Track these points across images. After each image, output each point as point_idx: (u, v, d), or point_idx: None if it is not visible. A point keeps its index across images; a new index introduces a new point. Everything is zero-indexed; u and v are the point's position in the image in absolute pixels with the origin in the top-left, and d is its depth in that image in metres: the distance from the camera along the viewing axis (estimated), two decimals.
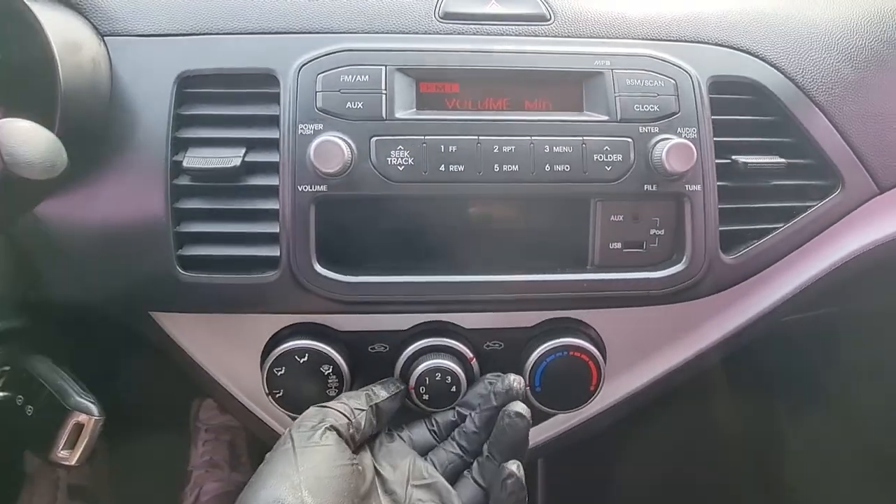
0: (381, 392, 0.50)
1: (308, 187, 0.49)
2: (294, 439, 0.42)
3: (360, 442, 0.46)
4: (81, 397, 0.48)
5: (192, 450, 1.18)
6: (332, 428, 0.43)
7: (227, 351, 0.56)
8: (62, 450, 0.47)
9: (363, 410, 0.46)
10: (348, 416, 0.45)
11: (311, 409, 0.45)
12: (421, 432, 0.51)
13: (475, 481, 0.47)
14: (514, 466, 0.43)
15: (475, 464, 0.48)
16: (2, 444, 0.63)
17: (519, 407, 0.46)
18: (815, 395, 0.90)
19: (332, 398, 0.53)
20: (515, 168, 0.50)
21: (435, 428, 0.52)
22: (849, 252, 0.59)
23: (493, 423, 0.47)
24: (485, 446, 0.48)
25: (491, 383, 0.51)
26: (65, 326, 0.60)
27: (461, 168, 0.50)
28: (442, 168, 0.50)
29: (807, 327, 0.73)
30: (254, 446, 1.21)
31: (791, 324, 0.62)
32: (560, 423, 0.62)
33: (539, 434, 0.61)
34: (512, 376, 0.49)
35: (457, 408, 0.52)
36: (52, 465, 0.47)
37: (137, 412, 1.17)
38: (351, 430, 0.44)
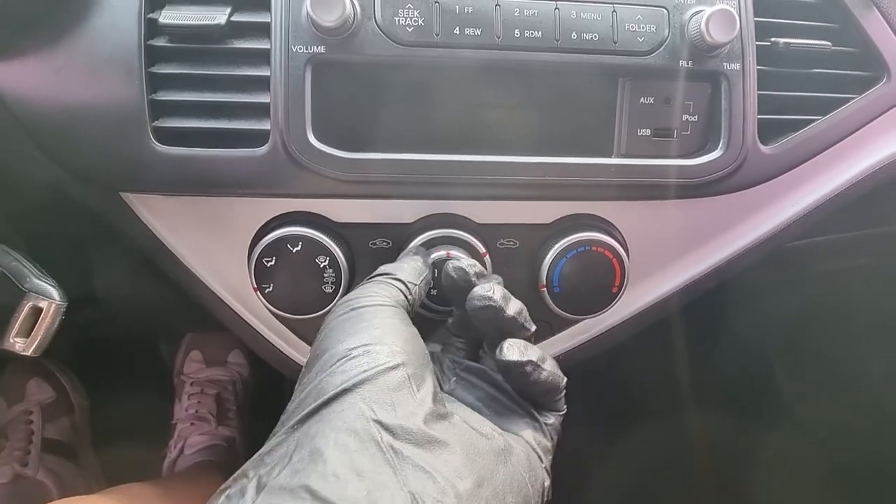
0: (419, 265, 0.44)
1: (303, 48, 0.43)
2: (353, 304, 0.36)
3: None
4: (40, 279, 0.41)
5: (176, 404, 1.12)
6: (398, 304, 0.38)
7: (212, 242, 0.50)
8: (16, 336, 0.40)
9: (416, 285, 0.41)
10: (405, 291, 0.39)
11: (363, 286, 0.39)
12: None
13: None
14: (507, 348, 0.37)
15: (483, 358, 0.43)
16: None
17: (482, 290, 0.39)
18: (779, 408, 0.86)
19: (328, 295, 0.48)
20: (538, 35, 0.45)
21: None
22: (889, 154, 0.54)
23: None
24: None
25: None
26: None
27: (478, 32, 0.44)
28: (456, 31, 0.44)
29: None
30: (243, 401, 1.15)
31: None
32: (575, 335, 0.57)
33: (554, 346, 0.56)
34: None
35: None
36: (6, 353, 0.40)
37: (120, 369, 1.12)
38: (409, 308, 0.39)
